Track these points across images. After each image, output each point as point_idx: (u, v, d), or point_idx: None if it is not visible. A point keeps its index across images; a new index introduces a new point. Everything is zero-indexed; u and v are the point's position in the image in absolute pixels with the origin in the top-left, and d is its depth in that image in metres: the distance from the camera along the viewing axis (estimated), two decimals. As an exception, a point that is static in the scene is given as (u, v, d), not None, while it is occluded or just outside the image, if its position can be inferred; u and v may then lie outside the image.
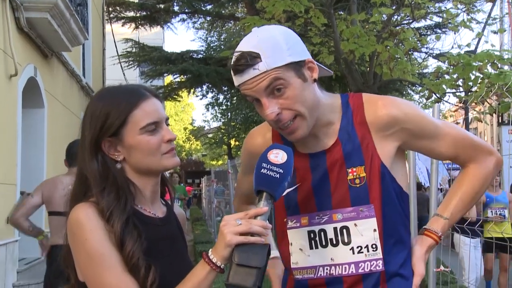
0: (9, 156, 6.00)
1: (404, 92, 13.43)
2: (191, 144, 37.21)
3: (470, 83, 6.90)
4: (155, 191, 1.40)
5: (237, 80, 1.37)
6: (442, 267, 2.91)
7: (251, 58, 1.32)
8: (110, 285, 1.20)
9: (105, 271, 1.20)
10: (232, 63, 1.36)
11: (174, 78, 15.40)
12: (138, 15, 14.46)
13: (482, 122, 7.38)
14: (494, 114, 9.14)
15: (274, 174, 1.23)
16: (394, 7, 8.05)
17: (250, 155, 1.62)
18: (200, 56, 15.11)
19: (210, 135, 29.75)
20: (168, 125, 1.39)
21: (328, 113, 1.48)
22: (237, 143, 28.17)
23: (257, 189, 1.25)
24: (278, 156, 1.26)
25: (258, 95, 1.35)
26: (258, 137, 1.61)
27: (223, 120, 27.04)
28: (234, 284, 1.15)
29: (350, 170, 1.45)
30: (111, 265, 1.21)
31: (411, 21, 8.72)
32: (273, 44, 1.34)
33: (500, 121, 12.69)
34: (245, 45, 1.36)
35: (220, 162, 32.32)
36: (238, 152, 27.42)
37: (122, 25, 14.81)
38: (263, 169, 1.24)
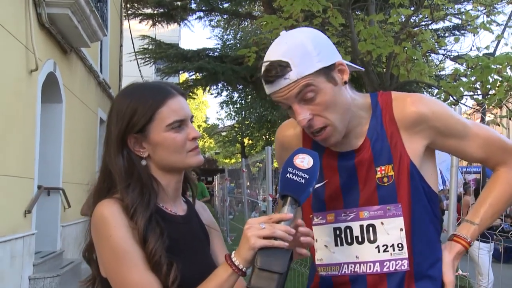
0: (28, 150, 6.08)
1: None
2: (205, 142, 37.33)
3: (488, 86, 6.83)
4: (177, 188, 1.41)
5: (268, 90, 1.38)
6: (460, 271, 2.89)
7: (281, 69, 1.32)
8: (133, 282, 1.21)
9: (128, 268, 1.21)
10: (262, 73, 1.36)
11: (190, 76, 15.47)
12: (155, 12, 14.56)
13: (499, 125, 7.31)
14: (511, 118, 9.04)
15: (300, 179, 1.24)
16: (412, 8, 8.00)
17: (282, 147, 1.64)
18: (216, 54, 15.14)
19: (223, 133, 29.82)
20: (192, 122, 1.40)
21: (359, 113, 1.48)
22: (250, 141, 28.22)
23: (282, 194, 1.25)
24: (304, 161, 1.26)
25: (290, 102, 1.36)
26: (289, 128, 1.62)
27: (237, 119, 27.12)
28: (255, 287, 1.16)
29: (378, 169, 1.45)
30: (134, 262, 1.22)
31: (429, 22, 8.65)
32: (302, 51, 1.33)
33: (517, 125, 12.54)
34: (274, 53, 1.35)
35: (233, 160, 32.37)
36: (252, 151, 27.46)
37: (140, 22, 14.92)
38: (288, 174, 1.25)
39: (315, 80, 1.33)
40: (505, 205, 1.54)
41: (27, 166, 6.06)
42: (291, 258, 1.19)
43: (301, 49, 1.33)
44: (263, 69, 1.36)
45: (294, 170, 1.25)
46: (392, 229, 1.44)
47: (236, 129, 27.55)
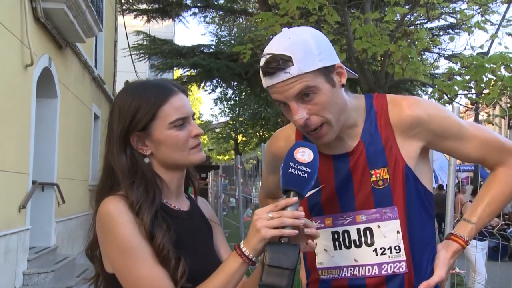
0: (22, 145, 6.06)
1: (414, 93, 13.40)
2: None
3: (483, 85, 6.88)
4: (180, 185, 1.42)
5: (266, 82, 1.37)
6: (457, 269, 2.91)
7: (283, 62, 1.31)
8: (142, 277, 1.22)
9: (137, 264, 1.22)
10: (262, 64, 1.36)
11: (184, 72, 15.43)
12: (150, 7, 14.50)
13: (493, 124, 7.37)
14: (505, 117, 9.10)
15: (302, 174, 1.24)
16: (408, 7, 8.03)
17: (274, 157, 1.64)
18: (210, 50, 15.11)
19: (217, 130, 29.77)
20: (194, 120, 1.41)
21: (353, 115, 1.48)
22: (244, 138, 28.20)
23: (284, 189, 1.26)
24: (305, 154, 1.26)
25: (287, 100, 1.36)
26: (281, 140, 1.62)
27: (231, 115, 27.06)
28: (267, 284, 1.17)
29: (373, 172, 1.46)
30: (143, 258, 1.23)
31: (425, 21, 8.69)
32: (305, 48, 1.33)
33: (510, 124, 12.63)
34: (276, 47, 1.35)
35: (226, 157, 32.36)
36: (245, 148, 27.45)
37: (134, 18, 14.86)
38: (290, 169, 1.25)
39: (314, 79, 1.33)
40: (503, 205, 1.55)
41: (21, 161, 6.04)
42: (300, 253, 1.20)
43: (304, 46, 1.33)
44: (263, 60, 1.36)
45: (296, 165, 1.25)
46: (388, 232, 1.45)
47: (230, 125, 27.49)
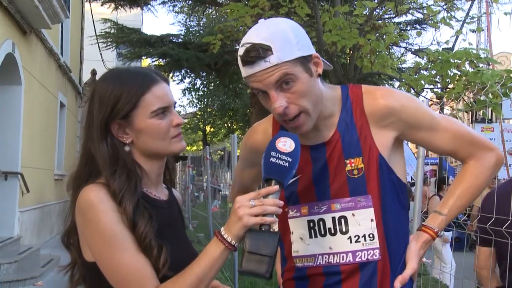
0: (-15, 133, 5.89)
1: (381, 86, 13.56)
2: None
3: (448, 80, 7.04)
4: (160, 174, 1.42)
5: (245, 72, 1.38)
6: (424, 259, 2.99)
7: (263, 51, 1.33)
8: (125, 265, 1.22)
9: (120, 252, 1.22)
10: (241, 54, 1.37)
11: (152, 62, 15.22)
12: (118, -5, 14.20)
13: (457, 118, 7.56)
14: (468, 112, 9.35)
15: (283, 163, 1.26)
16: (376, 1, 8.13)
17: (251, 151, 1.66)
18: (179, 40, 14.94)
19: (185, 120, 29.55)
20: (175, 108, 1.40)
21: (329, 106, 1.51)
22: (212, 129, 28.07)
23: (266, 178, 1.27)
24: (286, 144, 1.29)
25: (267, 88, 1.37)
26: (259, 133, 1.63)
27: (199, 106, 26.89)
28: (247, 270, 1.19)
29: (348, 161, 1.49)
30: (125, 246, 1.23)
31: (393, 15, 8.82)
32: (283, 38, 1.35)
33: (473, 119, 12.97)
34: (255, 36, 1.36)
35: (194, 148, 32.19)
36: (214, 139, 27.37)
37: (101, 5, 14.51)
38: (272, 158, 1.27)
39: (293, 68, 1.36)
40: (473, 197, 1.59)
41: (-16, 149, 5.87)
42: (280, 240, 1.23)
43: (283, 36, 1.35)
44: (242, 50, 1.37)
45: (277, 154, 1.27)
46: (363, 220, 1.49)
47: (198, 116, 27.32)
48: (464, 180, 1.58)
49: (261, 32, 1.36)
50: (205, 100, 25.56)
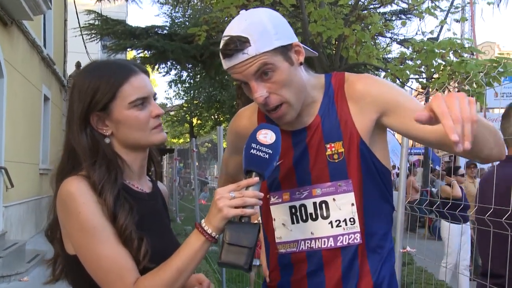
0: (-33, 128, 5.80)
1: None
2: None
3: (433, 70, 7.08)
4: (142, 166, 1.41)
5: (226, 64, 1.40)
6: (408, 248, 3.01)
7: (240, 43, 1.34)
8: (105, 257, 1.21)
9: (100, 244, 1.22)
10: (221, 47, 1.38)
11: (138, 54, 15.11)
12: (101, -14, 14.04)
13: (442, 108, 7.60)
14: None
15: (264, 155, 1.27)
16: (362, -9, 8.14)
17: (236, 136, 1.66)
18: (165, 32, 14.85)
19: (172, 113, 29.43)
20: (155, 100, 1.39)
21: (312, 93, 1.51)
22: (199, 121, 28.00)
23: (246, 169, 1.28)
24: (267, 136, 1.29)
25: (247, 79, 1.39)
26: (244, 119, 1.64)
27: (185, 98, 26.78)
28: (226, 262, 1.20)
29: (328, 146, 1.49)
30: (105, 238, 1.22)
31: (378, 5, 8.83)
32: (262, 29, 1.36)
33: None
34: (233, 29, 1.37)
35: (181, 140, 32.11)
36: (200, 131, 27.30)
37: (85, -4, 14.38)
38: (252, 150, 1.28)
39: (272, 58, 1.36)
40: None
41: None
42: (259, 232, 1.23)
43: (260, 27, 1.36)
44: (222, 43, 1.38)
45: (257, 146, 1.28)
46: (343, 205, 1.49)
47: (184, 108, 27.20)
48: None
49: (240, 24, 1.38)
50: (192, 92, 25.45)
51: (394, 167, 14.12)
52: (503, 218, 2.18)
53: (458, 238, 6.06)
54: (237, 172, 1.78)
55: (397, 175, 6.28)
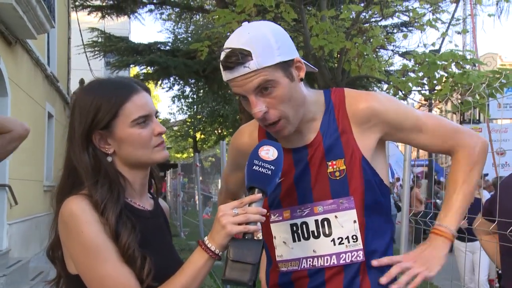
0: (-29, 146, 5.81)
1: (370, 89, 13.68)
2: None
3: (435, 82, 7.09)
4: (143, 184, 1.41)
5: (226, 76, 1.39)
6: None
7: (242, 56, 1.33)
8: (108, 276, 1.20)
9: (103, 263, 1.21)
10: (222, 59, 1.37)
11: (140, 70, 15.19)
12: (104, 4, 14.19)
13: (445, 119, 7.60)
14: (456, 113, 9.41)
15: (266, 171, 1.27)
16: (363, 5, 8.18)
17: (237, 153, 1.66)
18: (167, 48, 14.94)
19: (175, 128, 29.48)
20: (157, 117, 1.40)
21: (312, 109, 1.51)
22: (202, 136, 28.04)
23: (249, 186, 1.27)
24: (269, 152, 1.29)
25: (247, 93, 1.38)
26: (245, 135, 1.64)
27: (189, 113, 26.85)
28: (230, 279, 1.19)
29: (330, 163, 1.49)
30: (108, 257, 1.21)
31: (379, 19, 8.87)
32: (264, 43, 1.35)
33: (461, 119, 13.07)
34: (235, 41, 1.36)
35: (185, 155, 32.12)
36: (204, 146, 27.32)
37: (88, 14, 14.49)
38: (255, 166, 1.27)
39: (273, 73, 1.36)
40: (471, 184, 1.56)
41: (-29, 162, 5.79)
42: (263, 248, 1.22)
43: (263, 41, 1.35)
44: (223, 55, 1.37)
45: (260, 162, 1.28)
46: (345, 222, 1.48)
47: (188, 123, 27.26)
48: (456, 171, 1.56)
49: (242, 37, 1.36)
50: (195, 107, 25.53)
51: (398, 179, 14.10)
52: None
53: (469, 256, 5.95)
54: (238, 189, 1.78)
55: (402, 187, 6.23)
